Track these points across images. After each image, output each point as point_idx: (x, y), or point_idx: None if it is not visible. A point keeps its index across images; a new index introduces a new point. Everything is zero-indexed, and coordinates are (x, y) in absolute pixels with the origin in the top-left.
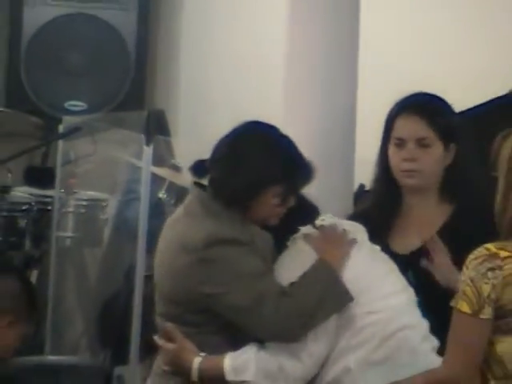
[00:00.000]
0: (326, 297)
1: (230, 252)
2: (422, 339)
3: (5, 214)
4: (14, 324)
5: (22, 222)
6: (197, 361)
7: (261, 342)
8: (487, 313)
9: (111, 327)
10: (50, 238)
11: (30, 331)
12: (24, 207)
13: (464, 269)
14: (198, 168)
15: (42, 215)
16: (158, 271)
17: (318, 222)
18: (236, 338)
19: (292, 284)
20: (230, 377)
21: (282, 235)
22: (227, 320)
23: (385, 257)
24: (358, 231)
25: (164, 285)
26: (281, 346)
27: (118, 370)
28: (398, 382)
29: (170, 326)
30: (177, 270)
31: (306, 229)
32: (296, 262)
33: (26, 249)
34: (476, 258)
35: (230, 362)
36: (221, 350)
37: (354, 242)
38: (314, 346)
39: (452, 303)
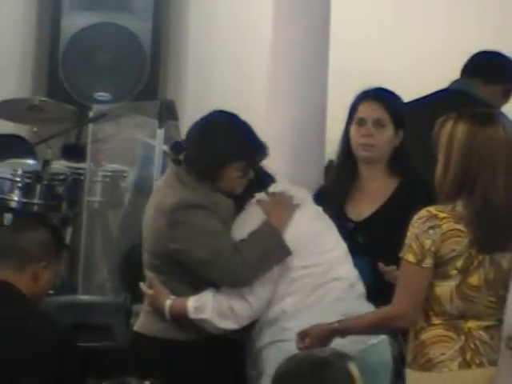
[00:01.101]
0: (269, 251)
1: (193, 215)
2: (348, 289)
3: (45, 182)
4: (47, 267)
5: (60, 189)
6: (168, 303)
7: (216, 287)
8: (428, 262)
9: (130, 273)
10: (82, 202)
11: (61, 274)
12: (61, 177)
13: (410, 227)
14: (176, 147)
15: (75, 184)
16: (144, 231)
17: (270, 188)
18: (197, 284)
19: (242, 241)
20: (191, 315)
21: (242, 201)
22: (191, 270)
23: (325, 217)
24: (303, 196)
25: (148, 241)
26: (233, 291)
27: (136, 307)
28: (349, 318)
29: (150, 274)
30: (154, 229)
31: (259, 195)
32: (246, 222)
33: (63, 211)
34: (420, 218)
35: (192, 303)
36: (186, 294)
37: (297, 206)
38: (260, 291)
39: (400, 254)
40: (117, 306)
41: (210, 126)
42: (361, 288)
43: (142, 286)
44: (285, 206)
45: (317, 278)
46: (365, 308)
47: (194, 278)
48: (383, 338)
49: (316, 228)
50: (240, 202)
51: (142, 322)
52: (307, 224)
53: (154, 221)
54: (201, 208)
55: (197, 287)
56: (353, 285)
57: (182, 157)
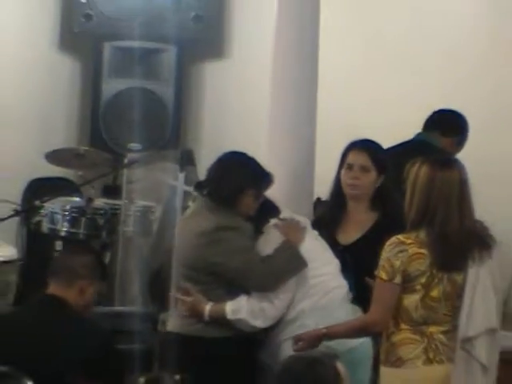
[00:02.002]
0: (289, 264)
1: (228, 235)
2: (345, 295)
3: (89, 216)
4: (91, 284)
5: (100, 221)
6: (207, 308)
7: (247, 293)
8: (398, 279)
9: (157, 288)
10: (118, 232)
11: (102, 289)
12: (101, 211)
13: (383, 251)
14: (200, 185)
15: (113, 217)
16: (178, 251)
17: (281, 216)
18: (230, 291)
19: (268, 256)
20: (229, 316)
21: (258, 225)
22: (227, 279)
23: (322, 240)
24: (305, 222)
25: (185, 258)
26: (262, 296)
27: (163, 316)
28: (334, 325)
29: (187, 285)
30: (193, 248)
31: (274, 220)
32: (268, 241)
33: (103, 238)
34: (390, 244)
35: (229, 307)
36: (221, 300)
37: (305, 229)
38: (283, 296)
39: (376, 273)
40: (146, 315)
41: (226, 163)
42: (350, 294)
43: (178, 295)
44: (297, 228)
45: (325, 285)
46: (356, 309)
47: (227, 286)
48: (366, 339)
49: (319, 247)
50: (257, 226)
51: (177, 324)
52: (313, 243)
53: (191, 242)
54: (233, 229)
55: (229, 294)
56: (348, 292)
57: (205, 192)
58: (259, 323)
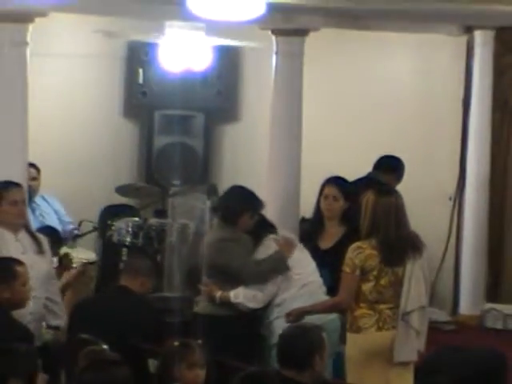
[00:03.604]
0: (276, 268)
1: (229, 244)
2: (318, 287)
3: (145, 231)
4: (148, 278)
5: (153, 234)
6: (218, 294)
7: (244, 285)
8: (357, 272)
9: (192, 280)
10: (165, 241)
11: (155, 282)
12: (153, 227)
13: (347, 253)
14: (214, 209)
15: (162, 231)
16: (204, 257)
17: (279, 233)
18: (233, 284)
19: (262, 259)
20: (232, 300)
21: (256, 238)
22: (230, 276)
23: (304, 250)
24: (294, 238)
25: (207, 260)
26: (255, 287)
27: (197, 298)
28: (314, 303)
29: (206, 279)
30: (208, 254)
31: (272, 235)
32: (266, 251)
33: (155, 246)
34: (352, 248)
35: (232, 294)
36: (228, 289)
37: (296, 244)
38: (270, 287)
39: (342, 268)
40: (185, 298)
41: (230, 193)
42: (323, 287)
43: (200, 286)
44: (291, 244)
45: (303, 280)
46: (326, 298)
47: (231, 280)
48: (335, 316)
49: (301, 255)
50: (256, 238)
51: (199, 307)
52: (297, 253)
53: (208, 249)
54: (233, 240)
55: (233, 285)
56: (321, 285)
57: (218, 214)
58: (252, 305)
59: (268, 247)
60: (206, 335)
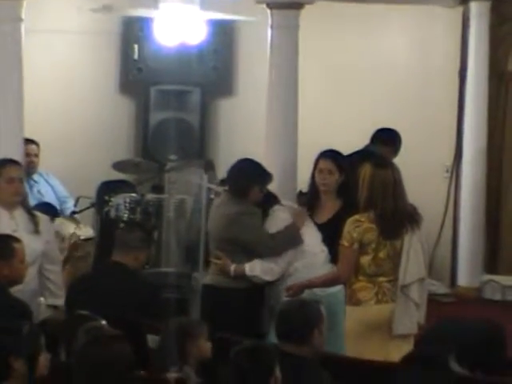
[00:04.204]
0: (291, 240)
1: (244, 218)
2: (326, 257)
3: (142, 206)
4: (143, 252)
5: (150, 209)
6: (233, 267)
7: (260, 258)
8: (356, 246)
9: (191, 254)
10: (163, 216)
11: (151, 256)
12: (151, 203)
13: (345, 226)
14: (222, 183)
15: (159, 206)
16: (212, 230)
17: (283, 203)
18: (247, 256)
19: (277, 232)
20: (248, 273)
21: (265, 209)
22: (245, 249)
23: (311, 222)
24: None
25: (217, 233)
26: (270, 259)
27: (195, 274)
28: (313, 278)
29: (219, 252)
30: (223, 227)
31: (277, 206)
32: (274, 221)
33: (152, 221)
34: (350, 222)
35: (248, 267)
36: (241, 262)
37: (306, 215)
38: (285, 258)
39: (340, 241)
40: (183, 274)
41: (240, 166)
42: (328, 256)
43: (213, 259)
44: (302, 215)
45: (313, 250)
46: (333, 267)
47: (246, 253)
48: (340, 289)
49: (309, 227)
50: (264, 210)
51: (212, 279)
52: (307, 226)
53: (221, 222)
54: (247, 214)
55: (247, 258)
56: (327, 256)
57: (226, 187)
58: (268, 278)
59: (276, 218)
60: (217, 308)
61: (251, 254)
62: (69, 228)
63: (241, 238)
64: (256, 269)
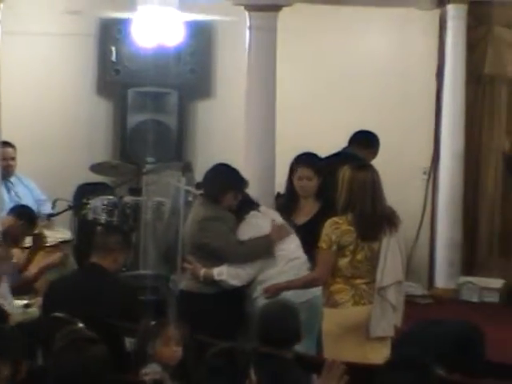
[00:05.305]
0: (260, 251)
1: (213, 223)
2: (303, 263)
3: (120, 208)
4: (122, 254)
5: (128, 212)
6: (202, 272)
7: (228, 263)
8: (334, 248)
9: (169, 257)
10: (141, 219)
11: (129, 258)
12: (129, 205)
13: (323, 228)
14: (197, 186)
15: (137, 208)
16: (185, 235)
17: (260, 209)
18: (216, 262)
19: (248, 240)
20: (216, 278)
21: (240, 215)
22: (213, 254)
23: (288, 226)
24: (276, 215)
25: (188, 237)
26: (238, 265)
27: (172, 276)
28: (291, 280)
29: (189, 257)
30: (192, 231)
31: (253, 212)
32: (248, 227)
33: (130, 224)
34: (329, 224)
35: (216, 272)
36: (211, 267)
37: (288, 232)
38: (253, 265)
39: (319, 244)
40: (161, 276)
41: (214, 171)
42: (307, 263)
43: (185, 264)
44: (283, 231)
45: (288, 256)
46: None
47: (215, 258)
48: (318, 293)
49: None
50: (239, 216)
51: (185, 285)
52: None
53: (191, 227)
54: (217, 219)
55: (216, 263)
56: (305, 262)
57: (202, 191)
58: (235, 283)
59: (249, 224)
60: (190, 312)
61: (220, 259)
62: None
63: (208, 243)
64: (223, 273)
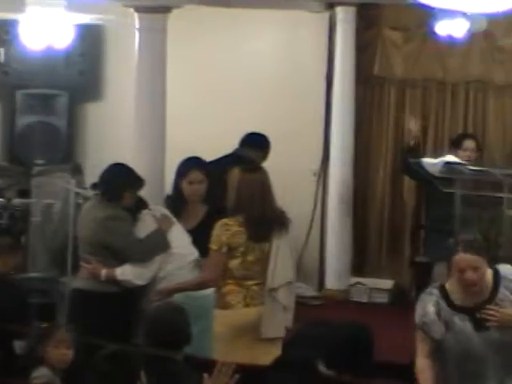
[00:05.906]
0: (159, 245)
1: (114, 222)
2: (197, 260)
3: (9, 211)
4: (12, 257)
5: (17, 214)
6: (103, 272)
7: (130, 262)
8: (224, 249)
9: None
10: (30, 221)
11: (19, 262)
12: (17, 207)
13: (214, 229)
14: (94, 186)
15: (26, 210)
16: (81, 233)
17: (152, 208)
18: (118, 261)
19: (145, 237)
20: (119, 277)
21: (135, 214)
22: (116, 254)
23: (179, 224)
24: (168, 213)
25: (86, 238)
26: (140, 264)
27: (62, 279)
28: (184, 281)
29: (88, 256)
30: (91, 231)
31: (145, 211)
32: (143, 226)
33: (19, 226)
34: (219, 225)
35: (119, 271)
36: (112, 266)
37: (173, 219)
38: (154, 265)
39: (209, 245)
40: (50, 278)
41: (112, 171)
42: (200, 260)
43: (82, 263)
44: (168, 220)
45: (182, 255)
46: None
47: (116, 257)
48: (210, 292)
49: (177, 229)
50: (134, 215)
51: (81, 283)
52: (175, 229)
53: (90, 227)
54: (118, 218)
55: (117, 262)
56: (198, 260)
57: (98, 191)
58: (140, 282)
59: (145, 222)
60: (86, 312)
61: (121, 258)
62: None
63: (110, 242)
64: (127, 273)
